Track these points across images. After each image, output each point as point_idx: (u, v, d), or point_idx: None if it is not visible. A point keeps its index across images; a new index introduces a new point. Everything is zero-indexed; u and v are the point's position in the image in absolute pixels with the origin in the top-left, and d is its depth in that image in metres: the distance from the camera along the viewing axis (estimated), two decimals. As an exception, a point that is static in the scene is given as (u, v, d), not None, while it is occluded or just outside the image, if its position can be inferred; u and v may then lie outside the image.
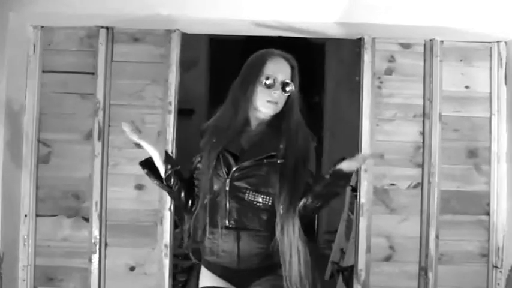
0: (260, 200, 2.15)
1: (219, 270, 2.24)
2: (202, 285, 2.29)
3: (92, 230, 3.30)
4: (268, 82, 2.16)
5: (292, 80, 2.21)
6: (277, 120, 2.22)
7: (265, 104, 2.18)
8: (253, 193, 2.15)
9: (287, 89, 2.18)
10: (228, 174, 2.17)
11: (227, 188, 2.17)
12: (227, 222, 2.17)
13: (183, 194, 2.28)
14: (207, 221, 2.21)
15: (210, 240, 2.22)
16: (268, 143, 2.19)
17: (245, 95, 2.18)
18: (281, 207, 2.12)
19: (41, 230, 3.35)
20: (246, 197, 2.16)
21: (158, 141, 2.28)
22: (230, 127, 2.20)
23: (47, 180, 3.36)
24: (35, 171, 3.35)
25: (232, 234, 2.18)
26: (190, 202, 2.29)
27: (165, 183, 2.26)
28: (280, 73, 2.19)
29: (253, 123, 2.25)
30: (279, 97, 2.18)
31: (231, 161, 2.18)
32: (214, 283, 2.24)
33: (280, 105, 2.20)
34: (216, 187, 2.19)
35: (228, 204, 2.17)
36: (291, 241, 2.12)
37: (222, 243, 2.19)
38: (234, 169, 2.16)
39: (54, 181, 3.35)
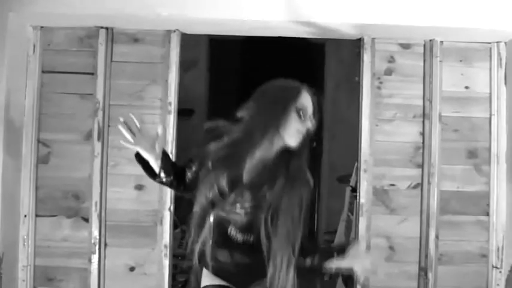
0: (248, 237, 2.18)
1: (219, 273, 2.26)
2: (204, 284, 2.31)
3: (92, 230, 3.30)
4: (302, 112, 2.11)
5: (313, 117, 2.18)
6: (286, 155, 2.17)
7: (294, 134, 2.12)
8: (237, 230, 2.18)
9: (310, 124, 2.15)
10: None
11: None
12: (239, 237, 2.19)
13: (175, 184, 2.28)
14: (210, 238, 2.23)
15: (211, 245, 2.23)
16: (268, 178, 2.15)
17: (278, 121, 2.10)
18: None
19: (40, 230, 3.35)
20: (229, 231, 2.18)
21: (156, 141, 2.21)
22: (247, 155, 2.13)
23: (47, 180, 3.36)
24: (34, 172, 3.35)
25: (230, 243, 2.19)
26: (182, 187, 2.29)
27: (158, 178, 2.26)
28: (309, 107, 2.15)
29: (264, 154, 2.16)
30: (304, 130, 2.14)
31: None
32: (215, 281, 2.27)
33: (303, 136, 2.16)
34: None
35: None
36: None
37: (221, 251, 2.23)
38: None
39: (54, 181, 3.35)
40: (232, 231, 2.17)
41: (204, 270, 2.33)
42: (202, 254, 2.22)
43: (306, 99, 2.14)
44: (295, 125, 2.11)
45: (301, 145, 2.15)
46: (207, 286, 2.30)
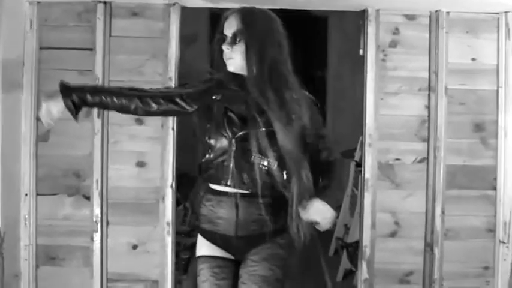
0: (265, 163, 2.11)
1: (215, 238, 2.21)
2: (199, 254, 2.27)
3: (93, 209, 3.28)
4: (222, 39, 2.15)
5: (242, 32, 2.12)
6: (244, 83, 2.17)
7: (226, 62, 2.16)
8: (259, 155, 2.11)
9: (237, 40, 2.11)
10: (234, 134, 2.12)
11: (233, 148, 2.12)
12: (229, 182, 2.13)
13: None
14: (203, 186, 2.21)
15: (206, 207, 2.19)
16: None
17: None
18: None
19: (41, 209, 3.32)
20: (252, 158, 2.11)
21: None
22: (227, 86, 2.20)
23: (47, 158, 3.32)
24: (34, 150, 3.31)
25: (230, 201, 2.15)
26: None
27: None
28: (229, 28, 2.13)
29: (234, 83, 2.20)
30: (232, 52, 2.12)
31: (237, 121, 2.13)
32: (211, 252, 2.22)
33: (239, 60, 2.13)
34: (218, 145, 2.14)
35: (232, 165, 2.12)
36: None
37: (220, 210, 2.16)
38: (241, 133, 2.12)
39: (54, 159, 3.31)
40: (256, 157, 2.12)
41: (199, 238, 2.28)
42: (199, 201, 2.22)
43: (227, 25, 2.14)
44: (223, 55, 2.15)
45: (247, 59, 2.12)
46: (201, 257, 2.25)
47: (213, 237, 2.21)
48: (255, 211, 2.14)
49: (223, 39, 2.13)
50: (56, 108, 2.17)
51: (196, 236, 2.34)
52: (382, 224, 3.32)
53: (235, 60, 2.12)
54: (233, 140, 2.11)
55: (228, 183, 2.13)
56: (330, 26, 5.87)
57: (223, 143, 2.13)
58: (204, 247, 2.25)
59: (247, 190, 2.13)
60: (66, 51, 3.31)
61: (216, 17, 5.64)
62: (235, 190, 2.13)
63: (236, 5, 3.36)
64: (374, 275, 3.33)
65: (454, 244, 3.33)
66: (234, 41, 2.11)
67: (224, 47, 2.12)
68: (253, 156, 2.11)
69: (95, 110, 3.22)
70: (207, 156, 2.16)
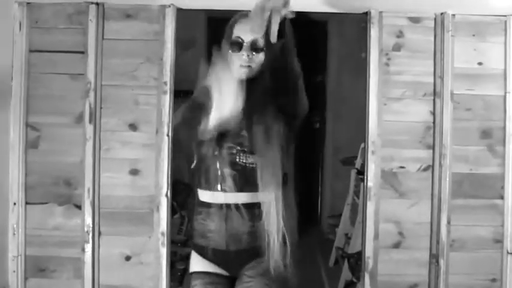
0: (252, 160, 2.04)
1: (208, 254, 2.14)
2: (193, 270, 2.20)
3: (85, 218, 3.18)
4: (236, 45, 2.06)
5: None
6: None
7: (237, 69, 2.06)
8: (244, 154, 2.05)
9: (258, 48, 2.03)
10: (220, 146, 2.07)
11: (216, 153, 2.06)
12: (219, 187, 2.07)
13: None
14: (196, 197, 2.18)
15: (197, 221, 2.14)
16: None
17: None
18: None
19: (31, 218, 3.23)
20: (237, 159, 2.05)
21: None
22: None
23: (37, 166, 3.23)
24: (23, 157, 3.22)
25: (219, 212, 2.08)
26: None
27: None
28: (244, 33, 2.06)
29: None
30: (251, 60, 2.04)
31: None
32: (204, 268, 2.16)
33: (255, 69, 2.06)
34: (203, 151, 2.09)
35: (219, 169, 2.07)
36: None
37: (210, 223, 2.10)
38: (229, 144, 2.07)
39: (44, 167, 3.23)
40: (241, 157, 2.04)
41: (193, 254, 2.21)
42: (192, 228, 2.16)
43: (240, 29, 2.06)
44: (234, 61, 2.05)
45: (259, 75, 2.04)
46: (194, 273, 2.18)
47: (205, 252, 2.15)
48: (247, 223, 2.06)
49: (237, 42, 2.01)
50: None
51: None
52: (385, 234, 3.24)
53: (252, 69, 2.03)
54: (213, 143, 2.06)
55: (220, 189, 2.06)
56: (330, 30, 5.81)
57: (208, 150, 2.07)
58: (197, 263, 2.19)
59: (240, 191, 2.05)
60: (57, 54, 3.23)
61: (213, 20, 5.57)
62: (229, 195, 2.06)
63: (233, 7, 3.35)
64: (377, 287, 3.24)
65: (460, 255, 3.25)
66: (254, 49, 2.01)
67: (243, 53, 2.01)
68: (238, 157, 2.05)
69: (87, 115, 3.14)
70: (195, 162, 2.09)
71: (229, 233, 2.07)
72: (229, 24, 2.11)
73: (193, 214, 2.15)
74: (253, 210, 2.07)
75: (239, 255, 2.10)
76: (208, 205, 2.10)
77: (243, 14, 2.12)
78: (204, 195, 2.13)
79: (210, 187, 2.09)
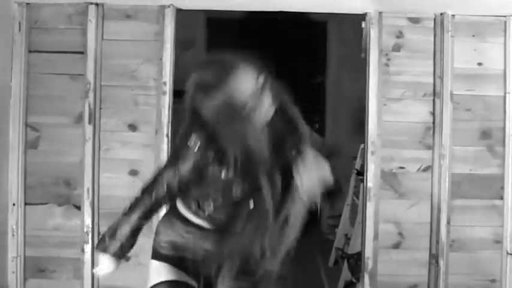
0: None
1: (180, 263, 2.00)
2: (155, 282, 2.00)
3: (84, 219, 3.19)
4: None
5: None
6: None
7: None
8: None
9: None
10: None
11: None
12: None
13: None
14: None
15: (173, 233, 2.04)
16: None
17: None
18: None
19: (30, 219, 3.24)
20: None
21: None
22: None
23: (36, 166, 3.24)
24: (23, 157, 3.23)
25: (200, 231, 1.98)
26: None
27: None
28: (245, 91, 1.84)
29: None
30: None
31: None
32: (170, 275, 1.99)
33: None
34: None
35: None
36: None
37: (189, 238, 2.00)
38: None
39: (44, 167, 3.23)
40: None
41: (153, 263, 2.05)
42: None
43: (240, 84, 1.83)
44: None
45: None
46: (158, 285, 1.98)
47: (174, 261, 2.01)
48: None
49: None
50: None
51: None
52: (385, 234, 3.25)
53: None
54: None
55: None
56: (329, 31, 5.81)
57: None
58: (161, 272, 2.02)
59: None
60: (57, 54, 3.24)
61: (213, 21, 5.57)
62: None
63: (232, 8, 3.36)
64: (377, 287, 3.24)
65: (460, 256, 3.25)
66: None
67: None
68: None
69: (86, 115, 3.13)
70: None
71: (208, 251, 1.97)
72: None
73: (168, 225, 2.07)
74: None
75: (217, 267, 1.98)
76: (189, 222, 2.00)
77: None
78: (187, 214, 2.02)
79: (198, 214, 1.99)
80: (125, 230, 1.94)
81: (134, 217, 1.96)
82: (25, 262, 3.23)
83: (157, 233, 2.11)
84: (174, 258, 2.01)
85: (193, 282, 2.00)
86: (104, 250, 1.94)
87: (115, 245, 1.94)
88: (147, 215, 1.99)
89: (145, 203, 1.99)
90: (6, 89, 3.17)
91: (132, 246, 1.97)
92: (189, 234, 2.00)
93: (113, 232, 1.95)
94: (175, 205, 2.07)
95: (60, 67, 3.23)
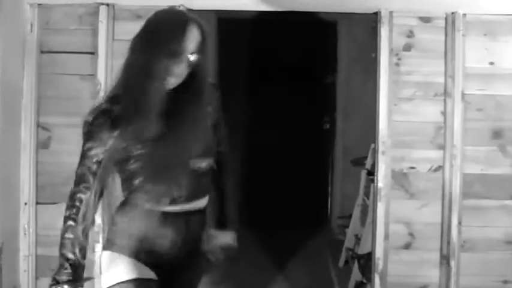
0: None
1: (147, 256, 1.91)
2: (113, 283, 1.90)
3: (95, 218, 3.17)
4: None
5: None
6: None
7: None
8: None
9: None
10: None
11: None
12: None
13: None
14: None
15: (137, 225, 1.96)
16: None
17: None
18: None
19: (41, 218, 3.26)
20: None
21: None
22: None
23: (47, 166, 3.26)
24: (34, 157, 3.25)
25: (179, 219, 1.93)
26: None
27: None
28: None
29: None
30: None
31: None
32: (131, 273, 1.88)
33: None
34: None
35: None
36: None
37: (164, 231, 1.92)
38: None
39: (55, 167, 3.24)
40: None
41: (114, 255, 1.97)
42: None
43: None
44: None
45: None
46: (118, 284, 1.88)
47: (139, 255, 1.93)
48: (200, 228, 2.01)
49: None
50: None
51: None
52: (395, 235, 3.23)
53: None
54: None
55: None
56: (339, 30, 5.78)
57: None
58: (123, 269, 1.92)
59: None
60: (68, 55, 3.26)
61: (224, 21, 5.56)
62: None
63: (242, 7, 3.36)
64: (387, 288, 3.24)
65: (471, 256, 3.24)
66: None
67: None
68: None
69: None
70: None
71: (186, 239, 1.93)
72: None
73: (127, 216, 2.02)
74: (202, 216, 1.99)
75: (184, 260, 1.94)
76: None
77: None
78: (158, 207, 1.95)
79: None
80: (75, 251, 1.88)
81: (78, 232, 1.90)
82: (37, 261, 3.25)
83: (115, 224, 2.05)
84: (135, 250, 1.92)
85: (151, 274, 1.90)
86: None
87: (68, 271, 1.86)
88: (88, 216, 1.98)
89: (80, 206, 1.97)
90: (18, 89, 3.19)
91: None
92: (162, 226, 1.93)
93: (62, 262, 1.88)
94: (136, 203, 2.00)
95: (71, 67, 3.25)
